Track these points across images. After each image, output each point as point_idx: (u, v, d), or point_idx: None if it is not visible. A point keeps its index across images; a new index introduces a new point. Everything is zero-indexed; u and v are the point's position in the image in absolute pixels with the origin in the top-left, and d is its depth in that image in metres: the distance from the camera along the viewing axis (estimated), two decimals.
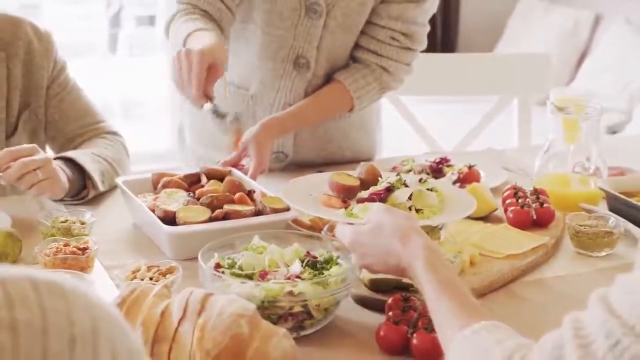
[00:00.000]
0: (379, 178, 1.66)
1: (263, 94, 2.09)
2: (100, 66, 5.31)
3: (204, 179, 1.80)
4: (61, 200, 1.83)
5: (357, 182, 1.64)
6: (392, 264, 1.31)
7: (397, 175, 1.64)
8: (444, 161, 2.07)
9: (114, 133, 2.03)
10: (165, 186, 1.76)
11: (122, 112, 5.28)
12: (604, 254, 1.69)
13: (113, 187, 1.92)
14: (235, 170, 1.88)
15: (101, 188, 1.87)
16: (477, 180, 1.97)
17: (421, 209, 1.56)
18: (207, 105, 1.79)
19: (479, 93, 2.67)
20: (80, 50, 5.25)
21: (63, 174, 1.78)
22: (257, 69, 2.07)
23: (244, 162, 1.97)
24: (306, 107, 2.06)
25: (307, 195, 1.63)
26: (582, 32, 4.17)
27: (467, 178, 1.98)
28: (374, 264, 1.34)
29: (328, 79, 2.09)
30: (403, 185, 1.60)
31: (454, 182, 1.98)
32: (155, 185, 1.80)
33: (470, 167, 2.01)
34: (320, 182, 1.68)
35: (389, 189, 1.59)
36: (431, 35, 4.22)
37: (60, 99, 1.97)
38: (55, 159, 1.81)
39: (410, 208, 1.56)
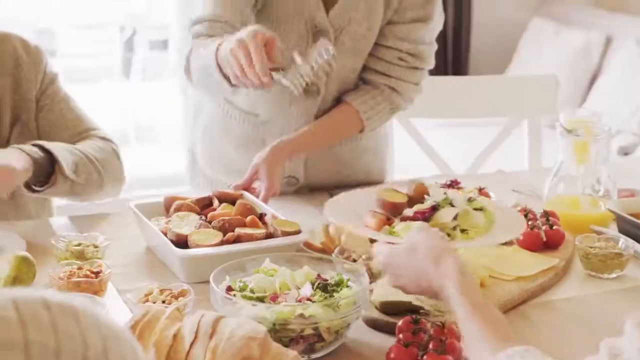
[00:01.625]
0: (425, 196, 1.63)
1: (273, 120, 2.09)
2: (113, 90, 5.35)
3: (215, 202, 1.82)
4: (29, 188, 1.83)
5: (404, 199, 1.62)
6: (424, 286, 1.32)
7: (444, 193, 1.62)
8: (454, 183, 2.08)
9: (106, 139, 2.02)
10: (177, 210, 1.77)
11: (136, 135, 5.30)
12: (614, 275, 1.69)
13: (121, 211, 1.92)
14: (246, 194, 1.90)
15: (71, 175, 1.84)
16: None
17: (466, 230, 1.54)
18: (276, 76, 1.71)
19: (489, 115, 2.68)
20: (94, 74, 5.29)
21: (25, 158, 1.78)
22: (267, 95, 2.07)
23: (255, 185, 1.98)
24: (316, 129, 2.06)
25: (351, 211, 1.61)
26: (593, 54, 4.18)
27: None
28: (408, 285, 1.35)
29: (338, 102, 2.10)
30: (449, 205, 1.58)
31: None
32: (167, 209, 1.81)
33: (480, 189, 2.02)
34: (367, 198, 1.65)
35: (435, 208, 1.57)
36: (442, 58, 4.28)
37: (49, 110, 1.98)
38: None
39: (454, 228, 1.54)
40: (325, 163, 2.14)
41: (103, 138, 2.00)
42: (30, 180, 1.82)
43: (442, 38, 4.27)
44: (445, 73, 4.36)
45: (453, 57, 4.36)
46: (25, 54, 1.94)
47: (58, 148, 1.85)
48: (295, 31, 1.99)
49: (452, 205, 1.57)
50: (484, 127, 2.96)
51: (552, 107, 2.58)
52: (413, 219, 1.55)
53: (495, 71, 4.37)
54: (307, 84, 1.79)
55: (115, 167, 1.98)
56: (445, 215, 1.54)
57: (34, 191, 1.85)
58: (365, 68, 2.08)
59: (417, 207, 1.58)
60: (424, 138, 2.59)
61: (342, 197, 1.70)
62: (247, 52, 1.68)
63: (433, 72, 4.29)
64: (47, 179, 1.84)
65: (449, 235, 1.52)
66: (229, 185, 1.96)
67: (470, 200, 1.61)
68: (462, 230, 1.54)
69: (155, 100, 5.41)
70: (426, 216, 1.55)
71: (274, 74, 1.70)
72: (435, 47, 2.11)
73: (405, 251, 1.35)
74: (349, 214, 1.59)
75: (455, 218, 1.55)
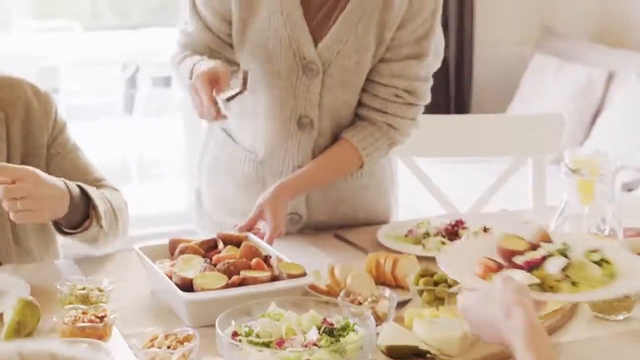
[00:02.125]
0: (540, 244, 1.55)
1: (272, 158, 2.10)
2: (116, 127, 5.37)
3: (220, 245, 1.81)
4: (60, 230, 1.83)
5: (524, 247, 1.53)
6: (495, 336, 1.30)
7: (563, 242, 1.53)
8: (459, 223, 2.08)
9: (114, 188, 2.03)
10: (182, 252, 1.77)
11: (139, 172, 5.32)
12: (621, 317, 1.68)
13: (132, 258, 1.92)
14: (251, 236, 1.89)
15: (103, 224, 1.86)
16: None
17: (578, 282, 1.46)
18: (221, 102, 1.87)
19: (493, 154, 2.68)
20: (97, 112, 5.31)
21: (66, 194, 1.78)
22: (264, 132, 2.09)
23: (259, 225, 1.98)
24: (316, 167, 2.07)
25: (466, 258, 1.52)
26: (596, 89, 4.18)
27: None
28: (481, 334, 1.34)
29: (334, 138, 2.10)
30: (560, 254, 1.50)
31: None
32: (172, 252, 1.81)
33: (485, 229, 2.02)
34: (483, 245, 1.58)
35: (545, 257, 1.49)
36: (444, 94, 4.29)
37: (61, 158, 1.98)
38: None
39: (562, 280, 1.45)
40: (326, 200, 2.15)
41: (113, 189, 2.01)
42: (60, 221, 1.82)
43: (444, 74, 4.30)
44: (448, 110, 4.36)
45: (455, 93, 4.37)
46: (36, 100, 1.95)
47: (94, 192, 1.86)
48: (285, 63, 2.01)
49: (565, 256, 1.50)
50: (488, 164, 2.96)
51: (557, 146, 2.58)
52: (518, 267, 1.48)
53: (497, 107, 4.38)
54: (299, 116, 2.01)
55: (126, 216, 2.00)
56: (551, 267, 1.47)
57: (64, 233, 1.85)
58: (362, 105, 2.09)
59: (528, 255, 1.50)
60: (428, 177, 2.59)
61: (453, 246, 1.65)
62: (197, 93, 1.86)
63: (436, 110, 4.32)
64: (78, 221, 1.84)
65: (552, 287, 1.45)
66: (234, 227, 1.95)
67: (593, 251, 1.53)
68: (573, 283, 1.45)
69: (158, 136, 5.43)
70: (531, 266, 1.48)
71: (220, 100, 1.86)
72: (430, 82, 2.12)
73: (479, 299, 1.34)
74: (462, 262, 1.51)
75: (565, 269, 1.47)
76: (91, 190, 1.86)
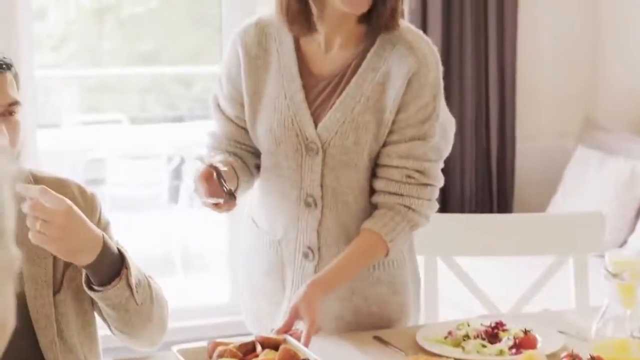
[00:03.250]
0: None
1: (287, 238, 2.17)
2: (161, 218, 5.43)
3: (258, 348, 1.82)
4: (90, 287, 1.83)
5: None
6: None
7: None
8: (499, 325, 2.06)
9: (158, 285, 2.04)
10: (220, 356, 1.78)
11: (183, 263, 5.35)
12: None
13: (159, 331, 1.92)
14: (289, 338, 1.90)
15: (134, 288, 1.84)
16: (534, 347, 1.96)
17: None
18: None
19: (534, 253, 2.67)
20: (143, 203, 5.38)
21: (98, 243, 1.79)
22: (279, 213, 2.17)
23: (297, 326, 1.99)
24: (343, 261, 2.10)
25: None
26: (639, 183, 4.16)
27: (523, 344, 1.97)
28: None
29: (339, 220, 2.14)
30: None
31: (510, 348, 1.97)
32: (210, 355, 1.81)
33: (526, 332, 2.00)
34: None
35: None
36: (487, 191, 4.29)
37: None
38: None
39: None
40: (339, 289, 2.15)
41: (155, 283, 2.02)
42: (89, 274, 1.83)
43: (486, 168, 4.30)
44: (491, 206, 4.35)
45: (498, 188, 4.36)
46: (82, 200, 1.99)
47: (130, 258, 1.88)
48: (291, 144, 2.11)
49: None
50: (530, 262, 2.94)
51: (598, 244, 2.57)
52: None
53: (541, 200, 4.37)
54: (306, 196, 2.12)
55: (164, 314, 1.99)
56: None
57: (92, 289, 1.86)
58: (377, 192, 2.13)
59: None
60: (468, 275, 2.58)
61: None
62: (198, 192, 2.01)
63: (480, 207, 4.30)
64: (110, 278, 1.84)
65: None
66: (271, 330, 1.97)
67: None
68: None
69: (202, 227, 5.47)
70: None
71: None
72: (440, 164, 2.16)
73: None
74: None
75: None
76: (128, 255, 1.87)
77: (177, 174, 5.51)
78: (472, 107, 4.22)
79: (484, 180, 4.31)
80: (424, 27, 4.06)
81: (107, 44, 7.33)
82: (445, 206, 4.20)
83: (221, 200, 1.98)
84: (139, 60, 7.25)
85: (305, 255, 2.16)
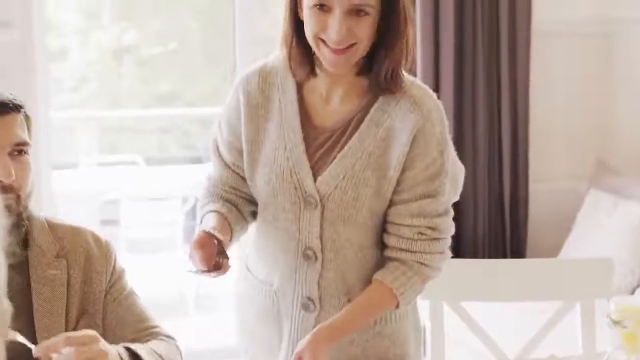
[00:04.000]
0: None
1: (285, 288, 2.16)
2: (176, 259, 5.44)
3: None
4: None
5: None
6: None
7: None
8: None
9: (169, 336, 2.06)
10: None
11: (196, 304, 5.36)
12: None
13: None
14: None
15: None
16: None
17: None
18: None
19: (542, 298, 2.66)
20: (157, 244, 5.40)
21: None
22: (277, 263, 2.16)
23: None
24: (352, 311, 2.09)
25: None
26: None
27: None
28: None
29: (341, 272, 2.13)
30: None
31: None
32: None
33: None
34: None
35: None
36: (501, 235, 4.26)
37: (117, 304, 2.02)
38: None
39: None
40: (338, 344, 2.13)
41: (167, 336, 2.04)
42: None
43: (499, 211, 4.29)
44: (504, 250, 4.33)
45: (511, 232, 4.35)
46: (97, 248, 2.01)
47: (146, 354, 1.89)
48: (288, 196, 2.10)
49: None
50: (538, 308, 2.93)
51: (606, 291, 2.56)
52: None
53: (554, 245, 4.35)
54: (305, 248, 2.10)
55: None
56: None
57: None
58: (389, 248, 2.12)
59: None
60: (475, 320, 2.58)
61: None
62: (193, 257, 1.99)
63: (493, 250, 4.28)
64: None
65: None
66: None
67: None
68: None
69: None
70: None
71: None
72: (451, 214, 2.15)
73: None
74: None
75: None
76: (143, 352, 1.89)
77: (192, 215, 5.53)
78: (485, 150, 4.22)
79: (497, 224, 4.30)
80: (436, 71, 4.08)
81: (125, 85, 7.41)
82: (458, 251, 4.19)
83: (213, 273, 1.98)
84: (157, 101, 7.32)
85: (305, 307, 2.15)
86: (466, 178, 4.13)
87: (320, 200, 2.08)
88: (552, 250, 4.35)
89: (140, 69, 7.48)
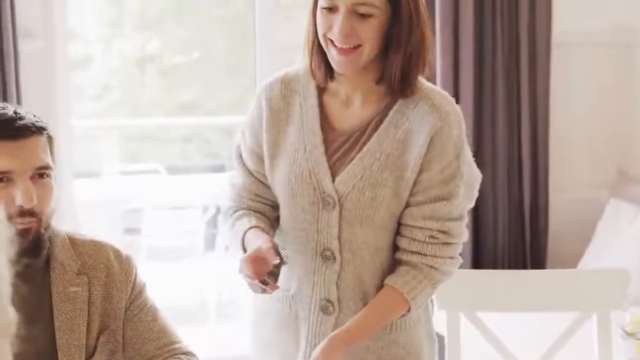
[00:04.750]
0: None
1: (302, 292, 2.18)
2: (197, 267, 5.47)
3: None
4: None
5: None
6: None
7: None
8: None
9: (190, 353, 2.08)
10: None
11: (217, 312, 5.38)
12: None
13: None
14: None
15: None
16: None
17: None
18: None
19: (558, 309, 2.65)
20: (178, 252, 5.43)
21: None
22: (294, 267, 2.18)
23: None
24: (366, 316, 2.11)
25: None
26: None
27: None
28: None
29: (358, 273, 2.15)
30: None
31: None
32: None
33: None
34: None
35: None
36: (521, 245, 4.25)
37: (138, 320, 2.04)
38: None
39: None
40: (354, 348, 2.15)
41: (187, 353, 2.06)
42: None
43: (519, 221, 4.28)
44: (524, 259, 4.31)
45: (531, 242, 4.34)
46: (117, 263, 2.03)
47: None
48: (307, 197, 2.13)
49: None
50: (555, 318, 2.93)
51: (622, 302, 2.55)
52: None
53: (575, 254, 4.33)
54: (323, 249, 2.12)
55: None
56: None
57: None
58: (400, 250, 2.15)
59: None
60: (491, 331, 2.58)
61: None
62: (245, 274, 2.02)
63: (513, 261, 4.26)
64: None
65: None
66: None
67: None
68: None
69: (236, 275, 5.50)
70: None
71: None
72: (465, 220, 2.16)
73: None
74: None
75: None
76: None
77: (212, 223, 5.56)
78: (505, 160, 4.21)
79: (516, 233, 4.29)
80: (456, 81, 4.08)
81: (148, 93, 7.45)
82: (478, 261, 4.19)
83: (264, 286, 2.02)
84: (180, 109, 7.36)
85: (324, 309, 2.16)
86: (486, 187, 4.18)
87: (339, 200, 2.11)
88: (573, 260, 4.33)
89: (163, 77, 7.52)
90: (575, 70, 4.48)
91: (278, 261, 2.00)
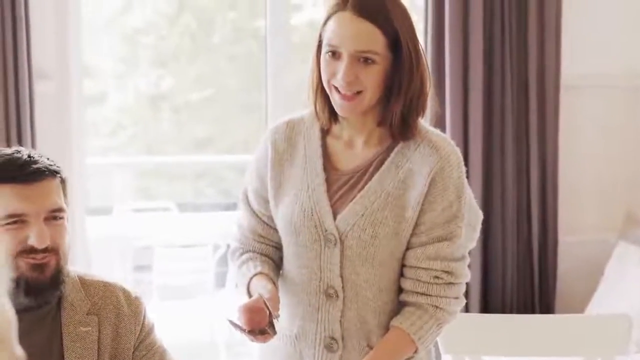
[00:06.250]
0: None
1: (306, 331, 2.20)
2: (207, 304, 5.48)
3: None
4: None
5: None
6: None
7: None
8: None
9: None
10: None
11: (227, 350, 5.38)
12: None
13: None
14: None
15: None
16: None
17: None
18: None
19: (562, 354, 2.67)
20: (189, 290, 5.44)
21: None
22: (297, 306, 2.20)
23: None
24: (375, 356, 2.13)
25: None
26: None
27: None
28: None
29: (360, 311, 2.17)
30: None
31: None
32: None
33: None
34: None
35: None
36: (530, 287, 4.24)
37: None
38: None
39: None
40: None
41: None
42: None
43: (528, 267, 4.27)
44: (532, 302, 4.30)
45: (540, 284, 4.34)
46: (127, 304, 2.06)
47: None
48: (309, 235, 2.16)
49: None
50: None
51: (625, 347, 2.56)
52: None
53: (583, 297, 4.33)
54: (326, 287, 2.14)
55: None
56: None
57: None
58: (405, 292, 2.17)
59: None
60: None
61: None
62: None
63: (520, 305, 4.24)
64: None
65: None
66: None
67: None
68: None
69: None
70: None
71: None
72: (467, 260, 2.20)
73: None
74: None
75: None
76: None
77: (223, 262, 5.58)
78: (514, 202, 4.22)
79: (525, 276, 4.28)
80: (465, 121, 4.09)
81: (161, 130, 7.51)
82: (487, 306, 4.18)
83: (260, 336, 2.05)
84: (193, 146, 7.41)
85: (329, 347, 2.18)
86: (495, 230, 4.19)
87: (340, 238, 2.14)
88: (582, 303, 4.33)
89: (176, 114, 7.58)
90: (584, 113, 4.50)
91: (279, 314, 2.05)
